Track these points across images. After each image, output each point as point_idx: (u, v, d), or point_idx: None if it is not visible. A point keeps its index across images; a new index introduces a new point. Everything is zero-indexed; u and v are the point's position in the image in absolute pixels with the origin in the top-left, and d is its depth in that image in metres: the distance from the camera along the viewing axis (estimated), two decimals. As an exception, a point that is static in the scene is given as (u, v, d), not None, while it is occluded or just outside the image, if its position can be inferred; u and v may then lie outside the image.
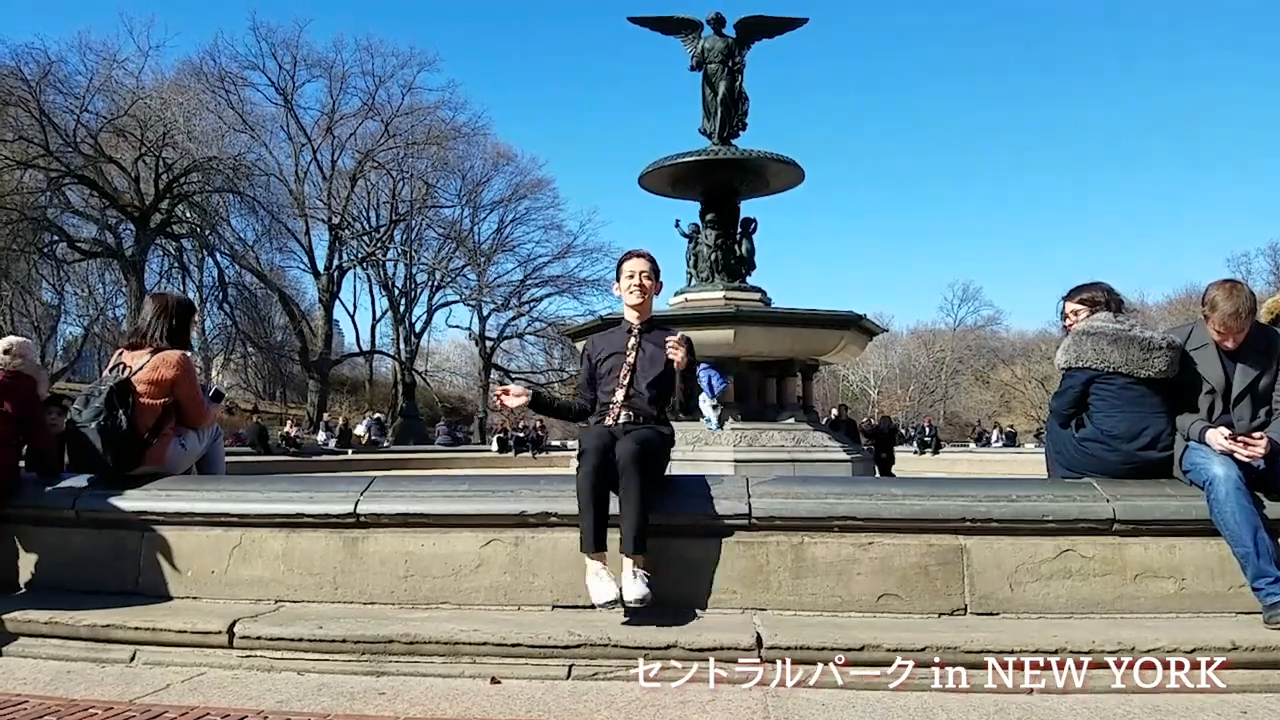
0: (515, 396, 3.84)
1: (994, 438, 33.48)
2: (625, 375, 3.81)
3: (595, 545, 3.27)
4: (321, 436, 25.71)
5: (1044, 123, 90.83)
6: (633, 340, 3.88)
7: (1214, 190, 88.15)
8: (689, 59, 12.59)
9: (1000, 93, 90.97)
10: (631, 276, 3.89)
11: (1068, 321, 3.89)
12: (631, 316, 3.95)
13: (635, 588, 3.15)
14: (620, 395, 3.77)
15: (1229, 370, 3.49)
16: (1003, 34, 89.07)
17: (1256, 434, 3.25)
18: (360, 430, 28.07)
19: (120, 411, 3.79)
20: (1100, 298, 3.82)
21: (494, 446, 23.52)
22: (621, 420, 3.71)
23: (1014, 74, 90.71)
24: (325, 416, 31.38)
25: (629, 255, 3.99)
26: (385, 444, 26.22)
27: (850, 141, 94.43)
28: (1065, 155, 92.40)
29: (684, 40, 12.67)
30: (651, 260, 3.98)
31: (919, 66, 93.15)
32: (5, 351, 3.94)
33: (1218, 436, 3.27)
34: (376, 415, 32.01)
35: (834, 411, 18.47)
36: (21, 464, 4.04)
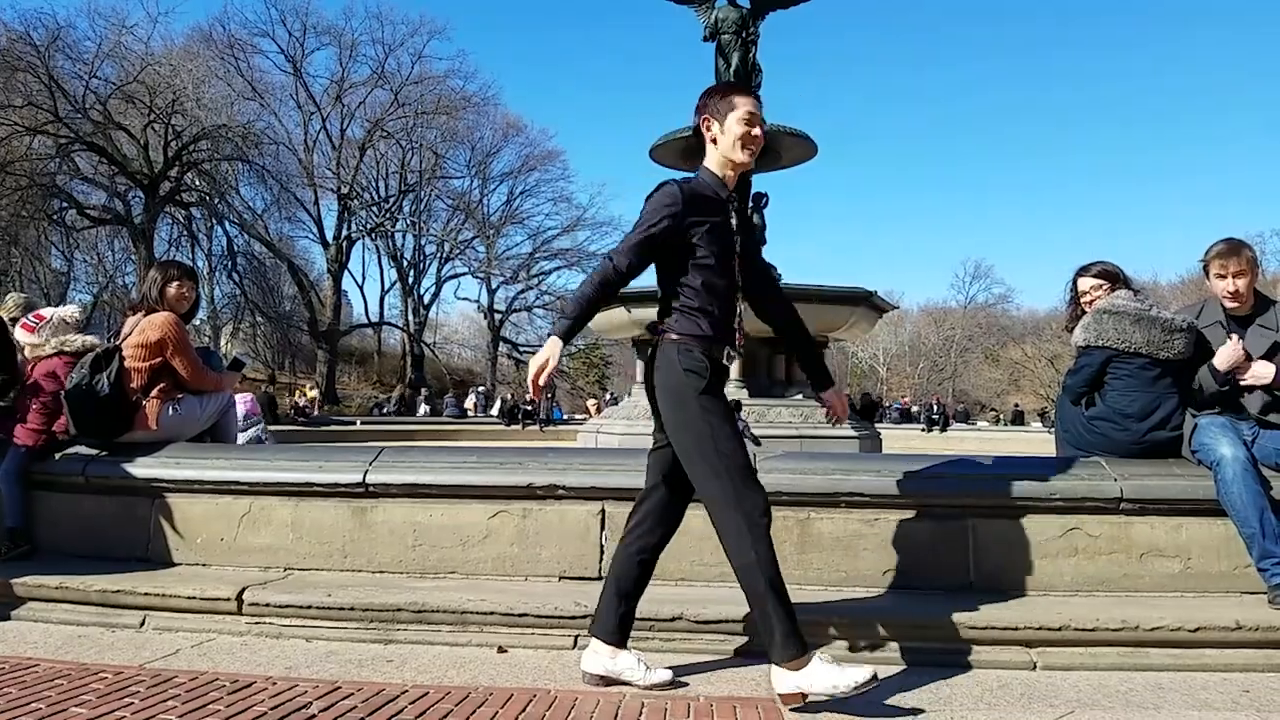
0: (545, 372, 2.48)
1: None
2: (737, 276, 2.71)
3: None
4: (423, 410, 26.18)
5: (1058, 101, 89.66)
6: (735, 219, 2.69)
7: (1229, 169, 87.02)
8: (702, 30, 12.43)
9: (1015, 71, 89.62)
10: (749, 122, 2.63)
11: (1087, 298, 3.78)
12: (728, 176, 2.70)
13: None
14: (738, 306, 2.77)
15: None
16: (1018, 12, 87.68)
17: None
18: (469, 404, 28.46)
19: (103, 376, 3.79)
20: (1119, 273, 3.77)
21: (502, 418, 23.64)
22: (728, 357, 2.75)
23: (1029, 52, 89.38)
24: (420, 394, 31.71)
25: (738, 90, 2.73)
26: (387, 412, 26.54)
27: (863, 117, 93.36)
28: (1079, 133, 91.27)
29: (697, 10, 12.49)
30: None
31: (933, 43, 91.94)
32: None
33: (1224, 353, 3.33)
34: (480, 388, 32.84)
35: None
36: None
